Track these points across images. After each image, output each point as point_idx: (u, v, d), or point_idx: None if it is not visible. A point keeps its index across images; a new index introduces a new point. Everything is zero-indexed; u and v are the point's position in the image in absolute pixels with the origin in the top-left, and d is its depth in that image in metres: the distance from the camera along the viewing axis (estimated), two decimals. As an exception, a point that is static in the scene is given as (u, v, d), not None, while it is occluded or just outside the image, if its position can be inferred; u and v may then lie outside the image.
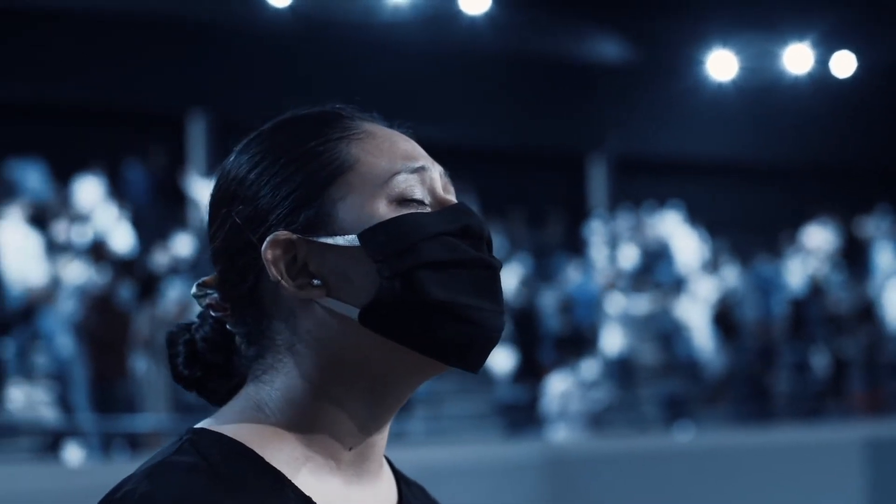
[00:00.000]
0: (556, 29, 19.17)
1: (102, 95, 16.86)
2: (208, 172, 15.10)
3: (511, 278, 14.06)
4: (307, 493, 1.35)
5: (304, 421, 1.37)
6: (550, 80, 19.83)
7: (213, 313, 1.44)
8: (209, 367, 1.46)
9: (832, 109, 19.00)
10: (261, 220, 1.38)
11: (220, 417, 1.39)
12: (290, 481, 1.34)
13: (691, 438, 12.62)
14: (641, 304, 15.07)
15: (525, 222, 18.09)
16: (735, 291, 16.43)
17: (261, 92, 15.72)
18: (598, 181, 20.90)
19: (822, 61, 15.09)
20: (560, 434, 12.25)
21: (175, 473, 1.30)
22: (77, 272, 11.64)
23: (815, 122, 19.85)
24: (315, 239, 1.36)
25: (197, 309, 1.48)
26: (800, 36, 14.74)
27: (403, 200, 1.38)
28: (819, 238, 17.85)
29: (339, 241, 1.36)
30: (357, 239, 1.35)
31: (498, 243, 14.60)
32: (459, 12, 14.35)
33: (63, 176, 13.94)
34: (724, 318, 15.60)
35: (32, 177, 13.70)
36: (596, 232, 17.45)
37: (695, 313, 15.42)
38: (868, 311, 16.30)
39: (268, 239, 1.37)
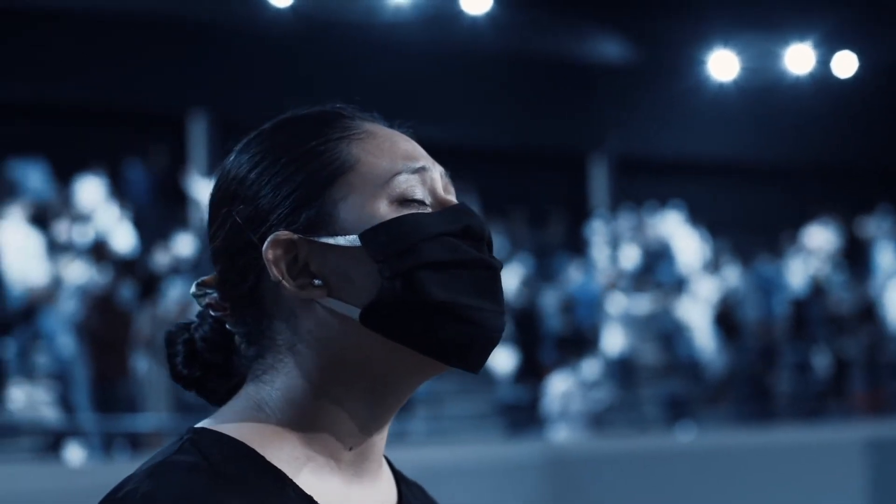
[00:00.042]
0: (558, 29, 19.16)
1: (104, 95, 16.87)
2: (209, 172, 15.09)
3: (512, 278, 14.06)
4: (308, 493, 1.35)
5: (304, 421, 1.37)
6: (552, 80, 19.83)
7: (212, 313, 1.44)
8: (208, 367, 1.46)
9: (833, 110, 18.99)
10: (261, 220, 1.38)
11: (220, 417, 1.39)
12: (291, 480, 1.35)
13: (692, 438, 12.62)
14: (643, 304, 15.07)
15: (526, 222, 18.09)
16: (736, 291, 16.42)
17: (262, 92, 15.72)
18: (599, 181, 20.90)
19: (824, 61, 15.08)
20: (561, 434, 12.25)
21: (177, 473, 1.30)
22: (78, 272, 11.64)
23: (816, 122, 19.84)
24: (316, 239, 1.36)
25: (198, 309, 1.48)
26: (801, 36, 14.73)
27: (404, 201, 1.38)
28: (820, 238, 17.84)
29: (341, 241, 1.36)
30: (358, 239, 1.35)
31: (499, 243, 14.61)
32: (461, 12, 14.34)
33: (64, 176, 13.94)
34: (726, 318, 15.60)
35: (33, 177, 13.70)
36: (597, 232, 17.45)
37: (696, 313, 15.42)
38: (869, 312, 16.30)
39: (269, 239, 1.37)
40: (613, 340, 14.51)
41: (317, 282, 1.36)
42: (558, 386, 12.54)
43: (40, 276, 11.46)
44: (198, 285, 1.45)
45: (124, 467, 1.47)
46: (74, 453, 10.26)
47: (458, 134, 17.98)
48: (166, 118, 17.29)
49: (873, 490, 11.12)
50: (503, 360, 13.52)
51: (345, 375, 1.37)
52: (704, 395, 15.06)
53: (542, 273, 16.14)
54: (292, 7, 14.25)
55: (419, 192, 1.39)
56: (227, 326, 1.44)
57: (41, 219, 12.61)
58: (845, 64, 15.30)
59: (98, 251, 11.87)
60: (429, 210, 1.39)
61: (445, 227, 1.37)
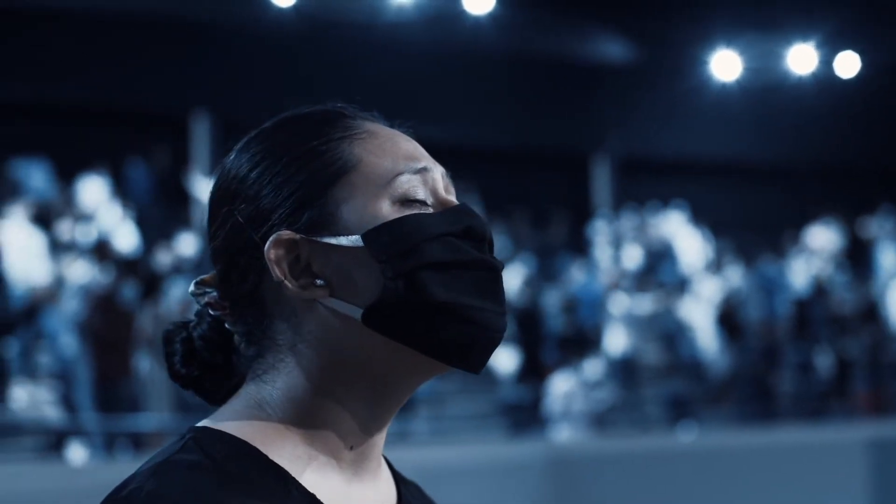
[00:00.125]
0: (560, 29, 19.16)
1: (106, 95, 16.87)
2: (211, 172, 15.08)
3: (514, 278, 14.06)
4: (311, 491, 1.35)
5: (306, 420, 1.37)
6: (554, 80, 19.83)
7: (211, 312, 1.44)
8: (207, 366, 1.45)
9: (836, 110, 18.98)
10: (263, 220, 1.38)
11: (221, 416, 1.39)
12: (293, 479, 1.35)
13: (695, 439, 12.62)
14: (645, 304, 15.06)
15: (528, 222, 18.09)
16: (739, 291, 16.42)
17: (264, 92, 15.72)
18: (601, 181, 20.89)
19: (826, 62, 15.07)
20: (563, 434, 12.24)
21: (180, 471, 1.31)
22: (80, 272, 11.65)
23: (818, 122, 19.83)
24: (318, 239, 1.36)
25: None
26: (804, 36, 14.71)
27: (406, 201, 1.38)
28: (822, 238, 17.84)
29: (343, 241, 1.36)
30: (360, 239, 1.35)
31: (501, 243, 14.61)
32: (463, 12, 14.33)
33: (67, 175, 13.95)
34: (728, 319, 15.60)
35: (36, 176, 13.71)
36: (599, 232, 17.45)
37: (698, 313, 15.42)
38: (871, 312, 16.29)
39: (271, 238, 1.37)
40: (616, 340, 14.50)
41: (319, 282, 1.36)
42: (560, 386, 12.54)
43: (43, 275, 11.47)
44: (197, 284, 1.45)
45: (126, 467, 1.47)
46: (76, 453, 10.26)
47: (460, 134, 17.98)
48: (169, 118, 17.30)
49: (875, 490, 11.12)
50: (505, 360, 13.52)
51: (346, 375, 1.37)
52: (707, 395, 15.06)
53: (545, 273, 16.14)
54: (295, 7, 14.24)
55: (421, 193, 1.39)
56: (227, 326, 1.44)
57: (44, 218, 12.61)
58: (848, 64, 15.29)
59: (100, 251, 11.87)
60: (430, 210, 1.39)
61: (447, 228, 1.37)
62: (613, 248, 17.00)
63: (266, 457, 1.35)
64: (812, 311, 16.04)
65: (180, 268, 12.71)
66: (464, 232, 1.38)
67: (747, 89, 15.88)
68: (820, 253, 17.56)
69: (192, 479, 1.30)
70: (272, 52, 16.92)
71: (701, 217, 18.20)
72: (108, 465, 9.40)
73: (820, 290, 16.44)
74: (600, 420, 12.64)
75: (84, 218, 13.10)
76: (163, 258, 12.97)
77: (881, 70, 16.73)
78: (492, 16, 14.34)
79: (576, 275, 15.74)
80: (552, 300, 14.91)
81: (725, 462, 10.88)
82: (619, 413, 13.72)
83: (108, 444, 10.67)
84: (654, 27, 18.54)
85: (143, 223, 13.75)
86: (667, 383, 14.77)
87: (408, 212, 1.37)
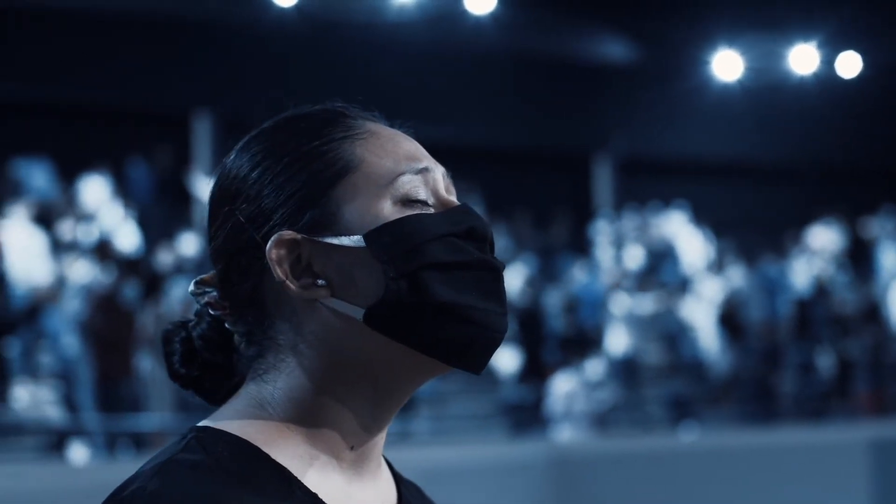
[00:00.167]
0: (562, 29, 19.16)
1: (108, 95, 16.88)
2: (212, 172, 15.10)
3: (516, 278, 14.06)
4: (313, 490, 1.35)
5: (307, 420, 1.37)
6: (555, 80, 19.82)
7: (211, 311, 1.44)
8: (207, 366, 1.45)
9: (837, 110, 18.97)
10: (264, 219, 1.38)
11: (222, 416, 1.39)
12: (296, 479, 1.35)
13: (696, 439, 12.62)
14: (646, 304, 15.06)
15: (530, 222, 18.09)
16: (740, 292, 16.42)
17: (266, 91, 15.72)
18: (603, 181, 20.89)
19: (828, 62, 15.08)
20: (564, 434, 12.24)
21: (183, 471, 1.30)
22: (82, 271, 11.65)
23: (820, 122, 19.83)
24: (320, 239, 1.36)
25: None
26: (805, 36, 14.72)
27: (408, 201, 1.38)
28: (824, 238, 17.83)
29: (345, 241, 1.36)
30: (363, 240, 1.35)
31: (503, 243, 14.61)
32: (465, 12, 14.34)
33: (68, 175, 13.95)
34: (730, 319, 15.60)
35: (38, 176, 13.71)
36: (601, 232, 17.45)
37: (700, 313, 15.42)
38: (873, 312, 16.28)
39: (273, 238, 1.37)
40: (617, 340, 14.51)
41: (320, 282, 1.36)
42: (562, 386, 12.54)
43: (44, 275, 11.47)
44: (196, 284, 1.45)
45: (128, 467, 1.46)
46: (78, 453, 10.27)
47: (461, 134, 17.98)
48: (170, 117, 17.30)
49: (877, 490, 11.11)
50: (507, 360, 13.53)
51: (347, 375, 1.37)
52: (708, 395, 15.06)
53: (546, 273, 16.14)
54: (297, 7, 14.26)
55: (422, 193, 1.39)
56: (227, 325, 1.44)
57: (45, 218, 12.62)
58: (849, 64, 15.29)
59: (102, 250, 11.87)
60: (431, 211, 1.39)
61: (449, 228, 1.37)
62: (615, 248, 17.00)
63: (269, 456, 1.34)
64: (813, 312, 16.03)
65: (182, 267, 12.72)
66: (466, 232, 1.38)
67: (749, 89, 15.90)
68: (821, 253, 17.55)
69: (195, 478, 1.30)
70: (274, 52, 16.92)
71: (702, 217, 18.20)
72: (110, 464, 9.40)
73: (821, 290, 16.43)
74: (602, 420, 12.64)
75: (85, 218, 13.11)
76: (164, 258, 12.97)
77: (882, 70, 16.72)
78: (493, 16, 14.35)
79: (577, 275, 15.74)
80: (554, 300, 14.91)
81: (727, 462, 10.88)
82: (621, 413, 13.73)
83: (109, 443, 10.67)
84: (655, 27, 18.54)
85: (144, 223, 13.75)
86: (668, 383, 14.77)
87: (409, 212, 1.37)
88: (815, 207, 18.67)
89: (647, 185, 20.05)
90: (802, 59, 14.96)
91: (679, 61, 17.54)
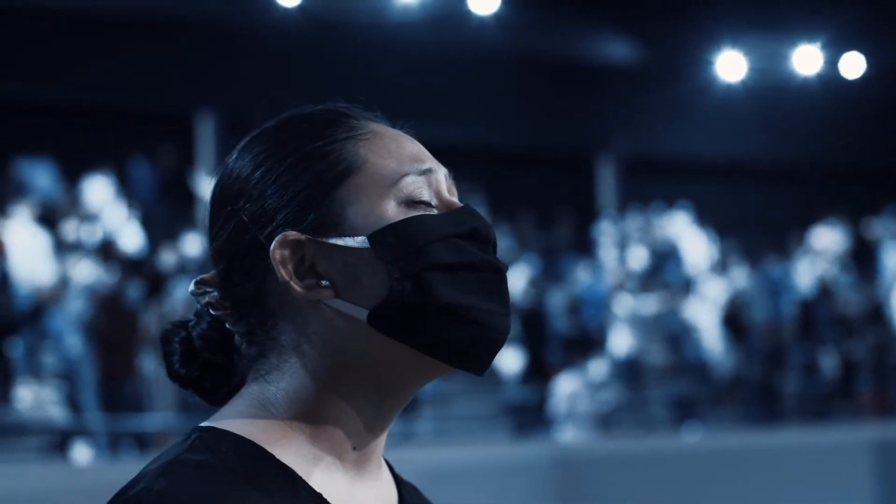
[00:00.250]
0: (565, 29, 19.16)
1: (111, 95, 16.89)
2: (215, 172, 15.09)
3: (519, 279, 14.06)
4: (318, 490, 1.35)
5: (310, 420, 1.37)
6: (559, 80, 19.83)
7: (212, 312, 1.44)
8: (207, 366, 1.45)
9: (841, 111, 18.97)
10: (268, 220, 1.38)
11: (224, 416, 1.39)
12: (301, 478, 1.34)
13: (699, 439, 12.62)
14: (650, 304, 15.06)
15: (533, 223, 18.09)
16: (744, 292, 16.41)
17: (269, 91, 15.72)
18: (606, 182, 20.89)
19: (832, 62, 15.08)
20: (568, 435, 12.24)
21: (189, 471, 1.30)
22: (85, 272, 11.65)
23: (823, 123, 19.82)
24: (324, 240, 1.36)
25: (205, 307, 1.47)
26: (809, 37, 14.72)
27: (411, 202, 1.38)
28: (828, 239, 17.83)
29: (349, 242, 1.36)
30: (367, 240, 1.35)
31: (506, 244, 14.61)
32: (468, 12, 14.35)
33: (72, 175, 13.96)
34: (733, 320, 15.59)
35: (41, 176, 13.72)
36: (605, 233, 17.45)
37: (703, 314, 15.41)
38: (877, 313, 16.28)
39: (277, 239, 1.36)
40: (621, 341, 14.50)
41: (324, 283, 1.36)
42: (565, 387, 12.54)
43: (48, 275, 11.48)
44: (197, 283, 1.44)
45: (131, 467, 1.46)
46: (81, 453, 10.28)
47: (465, 134, 17.99)
48: (174, 118, 17.31)
49: (880, 491, 11.11)
50: (510, 360, 13.52)
51: (350, 376, 1.37)
52: (712, 395, 15.06)
53: (550, 274, 16.14)
54: (300, 7, 14.26)
55: (426, 194, 1.39)
56: (227, 326, 1.43)
57: (49, 218, 12.63)
58: (853, 65, 15.29)
59: (105, 251, 11.88)
60: (434, 211, 1.39)
61: (453, 229, 1.37)
62: (618, 249, 17.00)
63: (273, 456, 1.34)
64: (817, 312, 16.03)
65: (185, 267, 12.72)
66: (469, 233, 1.38)
67: (752, 90, 15.90)
68: (825, 254, 17.54)
69: (201, 478, 1.29)
70: (277, 52, 16.93)
71: (706, 218, 18.19)
72: (113, 464, 9.41)
73: (825, 291, 16.43)
74: (605, 421, 12.64)
75: (89, 218, 13.11)
76: (168, 258, 12.97)
77: (886, 71, 16.72)
78: (497, 16, 14.35)
79: (581, 275, 15.74)
80: (557, 301, 14.91)
81: (730, 463, 10.88)
82: (624, 414, 13.73)
83: (112, 444, 10.68)
84: (659, 27, 18.54)
85: (148, 223, 13.76)
86: (672, 384, 14.77)
87: (413, 213, 1.37)
88: (819, 208, 18.66)
89: (650, 186, 20.04)
90: (806, 59, 14.96)
91: (683, 62, 17.54)
